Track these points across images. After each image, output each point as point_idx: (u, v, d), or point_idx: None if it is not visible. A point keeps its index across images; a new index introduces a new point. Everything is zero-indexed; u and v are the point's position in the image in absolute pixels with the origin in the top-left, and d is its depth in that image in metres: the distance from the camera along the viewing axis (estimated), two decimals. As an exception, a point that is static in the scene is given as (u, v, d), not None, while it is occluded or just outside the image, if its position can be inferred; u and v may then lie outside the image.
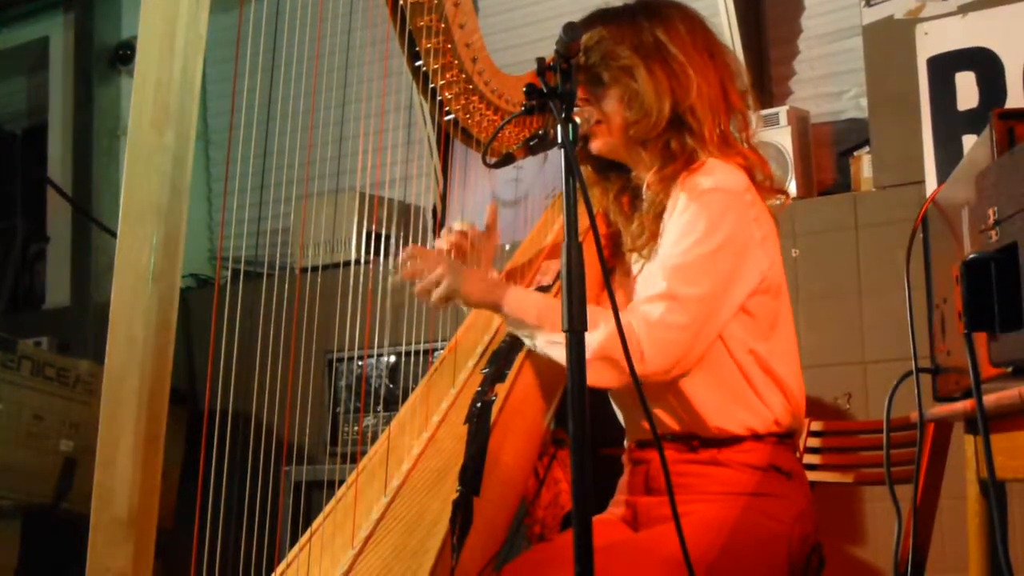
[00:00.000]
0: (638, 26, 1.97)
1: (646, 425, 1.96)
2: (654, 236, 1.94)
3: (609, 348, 1.76)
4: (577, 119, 1.54)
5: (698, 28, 2.01)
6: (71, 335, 4.81)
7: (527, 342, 1.90)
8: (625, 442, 2.07)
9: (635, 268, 2.03)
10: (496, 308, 1.91)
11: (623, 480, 2.05)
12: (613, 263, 2.09)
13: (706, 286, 1.83)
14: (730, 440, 1.89)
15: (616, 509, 2.02)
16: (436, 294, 1.90)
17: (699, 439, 1.91)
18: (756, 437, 1.89)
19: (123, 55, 5.01)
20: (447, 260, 1.93)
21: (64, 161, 5.07)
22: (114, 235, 1.45)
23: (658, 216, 1.94)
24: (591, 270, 1.52)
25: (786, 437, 1.93)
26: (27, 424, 3.78)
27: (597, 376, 1.74)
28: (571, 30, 1.50)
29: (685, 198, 1.88)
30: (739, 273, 1.86)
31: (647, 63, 1.94)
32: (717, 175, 1.88)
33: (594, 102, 1.99)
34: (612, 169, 2.09)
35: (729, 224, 1.85)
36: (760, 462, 1.88)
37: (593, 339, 1.72)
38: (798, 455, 1.97)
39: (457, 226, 2.06)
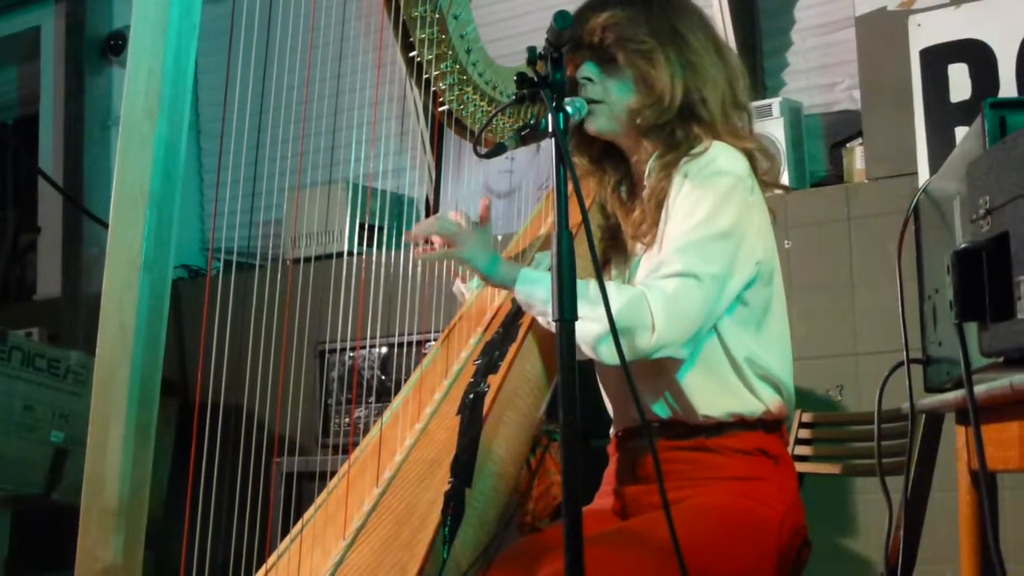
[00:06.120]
0: (654, 13, 1.96)
1: (634, 413, 1.97)
2: (656, 223, 1.94)
3: (623, 322, 1.75)
4: (569, 108, 1.53)
5: (708, 24, 2.03)
6: (62, 326, 4.81)
7: (540, 320, 1.91)
8: (611, 431, 2.07)
9: (635, 255, 2.02)
10: (509, 286, 1.92)
11: (610, 470, 2.04)
12: (608, 255, 2.09)
13: (719, 265, 1.83)
14: (718, 427, 1.89)
15: (604, 500, 2.01)
16: (446, 251, 1.94)
17: (687, 426, 1.91)
18: (744, 425, 1.89)
19: (114, 45, 5.00)
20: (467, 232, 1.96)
21: (55, 151, 5.06)
22: (105, 225, 1.45)
23: (659, 204, 1.93)
24: (584, 261, 1.51)
25: (774, 424, 1.93)
26: (18, 415, 3.78)
27: (610, 352, 1.76)
28: (562, 18, 1.49)
29: (689, 179, 1.88)
30: (740, 259, 1.86)
31: (664, 49, 1.94)
32: (721, 158, 1.88)
33: (600, 82, 1.98)
34: (608, 159, 2.08)
35: (733, 207, 1.86)
36: (747, 447, 1.89)
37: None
38: (785, 443, 1.97)
39: (452, 215, 2.05)
